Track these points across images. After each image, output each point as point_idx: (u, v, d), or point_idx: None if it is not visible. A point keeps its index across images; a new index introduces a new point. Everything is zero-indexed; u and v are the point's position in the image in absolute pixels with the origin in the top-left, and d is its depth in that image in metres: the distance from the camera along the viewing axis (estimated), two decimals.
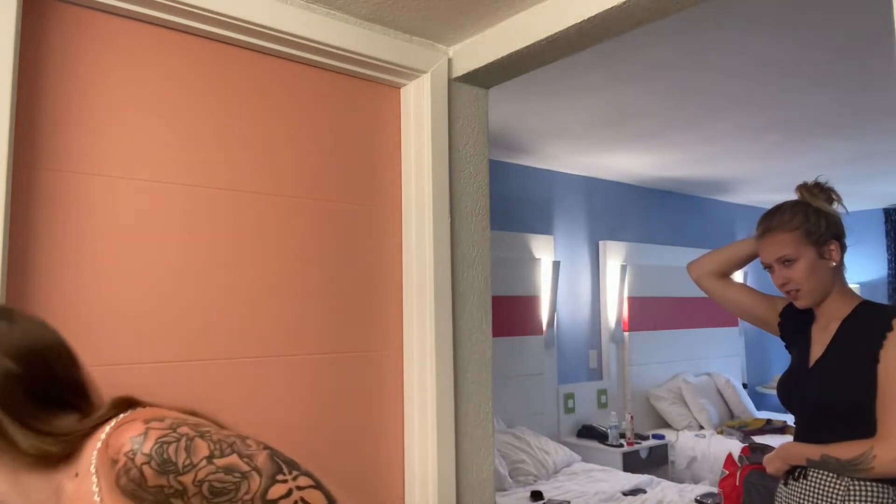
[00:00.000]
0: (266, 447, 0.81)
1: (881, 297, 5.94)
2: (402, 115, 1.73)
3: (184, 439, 0.78)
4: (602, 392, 4.77)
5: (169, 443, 0.77)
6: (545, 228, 4.62)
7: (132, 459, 0.76)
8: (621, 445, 4.26)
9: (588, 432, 4.45)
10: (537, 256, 4.46)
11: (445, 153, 1.70)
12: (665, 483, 3.76)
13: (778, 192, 5.29)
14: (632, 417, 4.46)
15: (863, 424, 1.46)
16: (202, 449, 0.78)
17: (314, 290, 1.55)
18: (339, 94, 1.62)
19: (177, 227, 1.36)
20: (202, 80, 1.42)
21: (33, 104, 1.21)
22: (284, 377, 1.49)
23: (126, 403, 0.87)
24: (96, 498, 0.80)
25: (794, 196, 1.68)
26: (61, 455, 0.85)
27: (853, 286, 5.87)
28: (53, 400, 0.85)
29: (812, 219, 1.58)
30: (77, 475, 0.85)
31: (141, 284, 1.31)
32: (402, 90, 1.73)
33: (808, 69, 2.83)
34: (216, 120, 1.43)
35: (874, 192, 5.50)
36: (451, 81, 1.75)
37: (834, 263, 1.58)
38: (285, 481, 0.78)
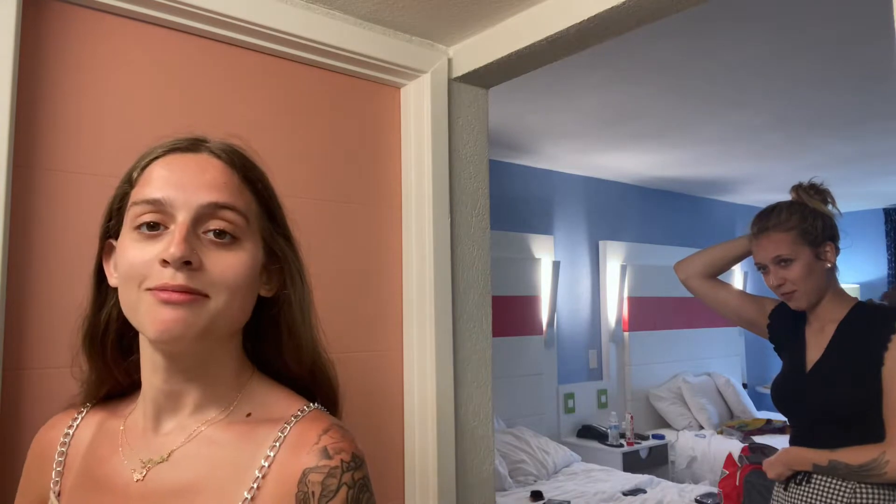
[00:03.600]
0: None
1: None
2: (402, 115, 1.73)
3: (373, 500, 0.73)
4: (602, 392, 4.77)
5: (367, 490, 0.72)
6: (545, 228, 4.62)
7: (344, 472, 0.70)
8: (621, 445, 4.26)
9: (588, 432, 4.45)
10: (537, 256, 4.46)
11: (445, 153, 1.70)
12: (665, 483, 3.76)
13: (778, 192, 5.29)
14: (632, 417, 4.46)
15: (864, 428, 1.45)
16: None
17: (313, 291, 1.55)
18: (339, 94, 1.62)
19: None
20: (202, 80, 1.42)
21: (33, 104, 1.21)
22: None
23: (332, 399, 0.84)
24: (264, 463, 0.71)
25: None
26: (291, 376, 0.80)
27: (853, 286, 5.87)
28: None
29: (809, 219, 1.58)
30: (250, 415, 0.75)
31: None
32: (402, 90, 1.73)
33: (808, 69, 2.83)
34: (216, 120, 1.43)
35: (874, 192, 5.50)
36: (451, 81, 1.75)
37: (829, 265, 1.58)
38: None
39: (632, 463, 4.20)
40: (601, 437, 4.36)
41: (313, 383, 0.82)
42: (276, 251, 0.77)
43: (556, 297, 4.47)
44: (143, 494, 0.72)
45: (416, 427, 1.63)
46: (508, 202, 4.38)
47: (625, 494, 3.50)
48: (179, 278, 0.67)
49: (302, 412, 0.75)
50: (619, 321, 4.90)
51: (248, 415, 0.75)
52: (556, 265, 4.46)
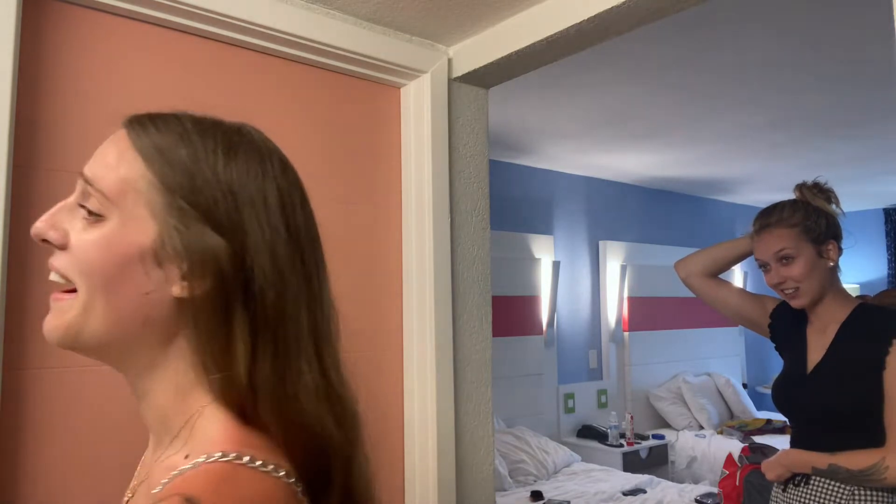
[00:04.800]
0: None
1: None
2: (402, 115, 1.73)
3: None
4: (602, 392, 4.76)
5: None
6: (545, 228, 4.62)
7: None
8: (621, 445, 4.26)
9: (588, 432, 4.45)
10: (537, 256, 4.46)
11: (445, 153, 1.70)
12: (665, 483, 3.76)
13: (778, 192, 5.29)
14: (632, 417, 4.46)
15: (864, 431, 1.43)
16: None
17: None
18: (339, 94, 1.62)
19: None
20: (202, 80, 1.42)
21: (33, 104, 1.21)
22: None
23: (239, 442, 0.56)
24: None
25: (793, 196, 1.67)
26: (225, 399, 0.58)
27: (853, 286, 5.86)
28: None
29: (812, 217, 1.57)
30: (187, 457, 0.57)
31: None
32: (402, 90, 1.73)
33: (808, 69, 2.83)
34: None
35: (874, 192, 5.50)
36: (451, 81, 1.75)
37: (832, 263, 1.57)
38: None
39: (632, 463, 4.20)
40: (601, 437, 4.36)
41: (278, 429, 0.58)
42: (164, 235, 0.59)
43: (556, 297, 4.46)
44: None
45: (416, 427, 1.64)
46: (508, 202, 4.38)
47: (625, 494, 3.50)
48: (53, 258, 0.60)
49: (195, 465, 0.54)
50: (619, 321, 4.90)
51: (186, 457, 0.56)
52: (556, 265, 4.46)
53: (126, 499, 0.66)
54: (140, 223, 0.59)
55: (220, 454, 0.54)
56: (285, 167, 0.67)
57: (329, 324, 0.66)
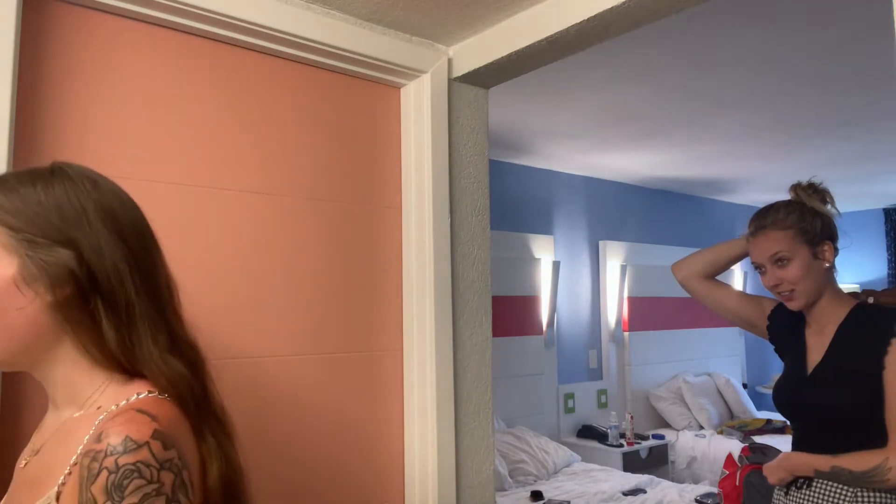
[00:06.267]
0: None
1: None
2: (402, 115, 1.73)
3: (153, 488, 0.67)
4: (602, 392, 4.77)
5: (138, 476, 0.67)
6: (545, 228, 4.62)
7: (107, 455, 0.67)
8: (621, 445, 4.26)
9: (588, 432, 4.45)
10: (537, 256, 4.46)
11: (445, 153, 1.70)
12: (665, 483, 3.76)
13: (778, 192, 5.29)
14: (632, 417, 4.46)
15: (865, 432, 1.43)
16: None
17: (313, 291, 1.55)
18: (339, 94, 1.63)
19: (175, 228, 1.36)
20: (202, 81, 1.42)
21: (33, 104, 1.21)
22: (284, 378, 1.49)
23: (175, 381, 0.79)
24: (79, 449, 0.73)
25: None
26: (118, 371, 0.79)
27: (853, 286, 5.86)
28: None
29: (807, 218, 1.56)
30: (100, 408, 0.77)
31: None
32: (402, 90, 1.74)
33: (808, 69, 2.83)
34: (215, 120, 1.43)
35: (874, 192, 5.50)
36: (451, 81, 1.75)
37: (827, 264, 1.56)
38: None
39: (632, 463, 4.20)
40: (601, 437, 4.36)
41: (152, 376, 0.79)
42: (22, 263, 0.76)
43: (556, 297, 4.46)
44: (17, 481, 0.81)
45: (416, 427, 1.64)
46: (508, 202, 4.38)
47: (625, 494, 3.50)
48: None
49: (127, 400, 0.76)
50: (619, 321, 4.90)
51: (99, 408, 0.77)
52: (556, 265, 4.46)
53: (24, 463, 0.82)
54: (1, 261, 0.75)
55: (146, 392, 0.77)
56: (96, 184, 0.81)
57: (166, 290, 0.83)
